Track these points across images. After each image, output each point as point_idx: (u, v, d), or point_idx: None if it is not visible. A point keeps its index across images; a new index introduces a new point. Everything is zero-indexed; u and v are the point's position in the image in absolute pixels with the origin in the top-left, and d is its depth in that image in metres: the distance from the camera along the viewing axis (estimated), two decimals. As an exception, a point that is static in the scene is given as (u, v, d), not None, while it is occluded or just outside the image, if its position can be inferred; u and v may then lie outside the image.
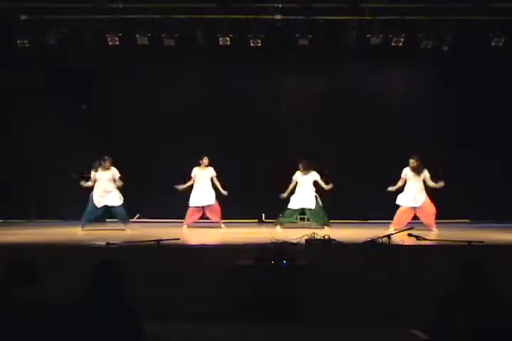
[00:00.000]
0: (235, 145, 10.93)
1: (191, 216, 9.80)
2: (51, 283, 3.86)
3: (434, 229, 8.97)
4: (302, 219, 10.26)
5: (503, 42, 9.57)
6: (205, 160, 9.75)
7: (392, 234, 6.28)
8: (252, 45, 9.78)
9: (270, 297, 6.02)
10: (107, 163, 9.28)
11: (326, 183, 9.60)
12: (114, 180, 9.30)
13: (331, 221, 9.72)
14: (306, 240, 7.05)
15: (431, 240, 6.39)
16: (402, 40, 9.62)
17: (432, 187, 9.05)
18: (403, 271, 6.08)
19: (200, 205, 9.78)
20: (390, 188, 9.10)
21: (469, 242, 5.71)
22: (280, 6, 9.45)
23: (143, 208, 10.87)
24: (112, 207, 9.37)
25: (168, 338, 4.93)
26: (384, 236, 6.15)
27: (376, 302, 5.99)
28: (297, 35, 9.69)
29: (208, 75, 11.13)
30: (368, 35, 9.61)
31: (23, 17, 9.50)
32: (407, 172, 9.10)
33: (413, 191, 9.07)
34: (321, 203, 9.66)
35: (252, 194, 10.80)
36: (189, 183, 9.77)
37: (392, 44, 9.71)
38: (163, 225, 10.16)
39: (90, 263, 3.55)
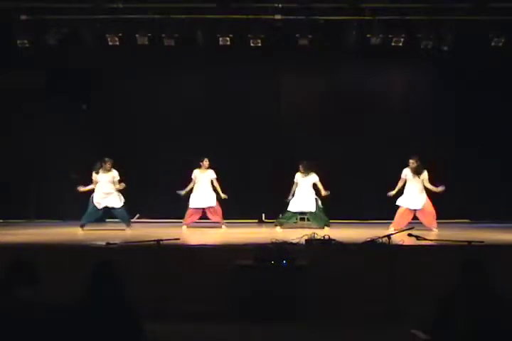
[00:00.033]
0: (235, 145, 10.93)
1: (191, 216, 9.78)
2: (51, 283, 3.86)
3: (435, 229, 8.96)
4: (302, 219, 10.25)
5: (503, 42, 9.56)
6: (206, 162, 9.72)
7: (392, 234, 6.29)
8: (252, 45, 9.76)
9: (270, 297, 6.01)
10: (108, 165, 9.26)
11: (324, 189, 9.59)
12: (114, 183, 9.30)
13: (331, 221, 9.71)
14: (306, 240, 7.05)
15: (431, 240, 6.39)
16: (402, 40, 9.59)
17: (431, 190, 9.03)
18: (403, 271, 6.08)
19: (201, 207, 9.78)
20: (390, 193, 9.07)
21: (469, 242, 5.70)
22: (280, 6, 9.43)
23: (143, 208, 10.87)
24: (113, 208, 9.37)
25: (168, 338, 4.93)
26: (384, 236, 6.15)
27: (376, 302, 5.98)
28: (297, 35, 9.67)
29: (207, 75, 11.12)
30: (368, 35, 9.59)
31: (23, 17, 9.48)
32: (406, 173, 9.09)
33: (413, 192, 9.06)
34: (321, 205, 9.64)
35: (252, 194, 10.81)
36: (190, 186, 9.73)
37: (392, 44, 9.68)
38: (163, 225, 10.15)
39: (90, 263, 3.55)
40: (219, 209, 9.79)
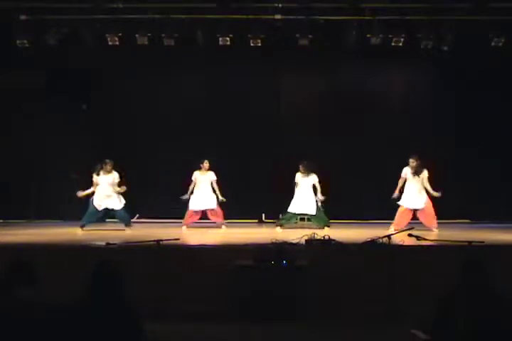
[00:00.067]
0: (235, 145, 10.91)
1: (191, 217, 9.77)
2: (51, 283, 3.86)
3: (435, 229, 8.95)
4: (302, 219, 10.23)
5: (503, 42, 9.56)
6: (206, 164, 9.69)
7: (392, 234, 6.29)
8: (252, 45, 9.76)
9: (270, 297, 6.00)
10: (109, 167, 9.24)
11: (322, 194, 9.59)
12: (114, 185, 9.28)
13: (331, 221, 9.70)
14: (306, 240, 7.05)
15: (431, 240, 6.38)
16: (402, 40, 9.60)
17: (428, 191, 9.03)
18: (403, 271, 6.07)
19: (201, 209, 9.76)
20: (394, 195, 9.05)
21: (470, 242, 5.70)
22: (280, 5, 9.43)
23: (143, 208, 10.86)
24: (113, 209, 9.36)
25: (168, 338, 4.93)
26: (384, 237, 6.14)
27: (376, 302, 5.98)
28: (297, 35, 9.66)
29: (207, 75, 11.11)
30: (368, 35, 9.58)
31: (23, 17, 9.48)
32: (407, 172, 9.09)
33: (413, 192, 9.06)
34: (321, 207, 9.64)
35: (252, 194, 10.80)
36: (191, 188, 9.70)
37: (392, 44, 9.69)
38: (163, 225, 10.13)
39: (90, 263, 3.54)
40: (219, 211, 9.77)
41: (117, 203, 9.29)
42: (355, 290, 6.26)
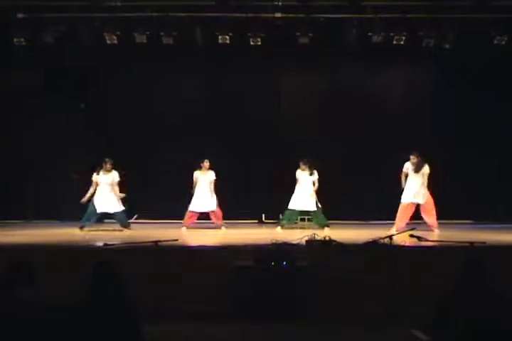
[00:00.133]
0: (235, 146, 10.86)
1: (190, 217, 9.72)
2: (51, 283, 3.84)
3: (436, 230, 8.94)
4: (302, 219, 10.21)
5: (506, 41, 9.52)
6: (206, 164, 9.64)
7: (393, 234, 6.27)
8: (251, 43, 9.71)
9: (270, 297, 5.97)
10: (108, 165, 9.21)
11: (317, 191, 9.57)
12: (114, 184, 9.24)
13: (330, 221, 9.67)
14: (306, 241, 7.02)
15: (432, 241, 6.36)
16: (403, 38, 9.57)
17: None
18: (403, 271, 6.04)
19: (201, 211, 9.71)
20: (403, 185, 9.06)
21: (471, 243, 5.68)
22: (280, 4, 9.37)
23: (143, 208, 10.79)
24: (113, 213, 9.33)
25: (168, 338, 4.93)
26: (386, 237, 6.13)
27: (376, 302, 5.95)
28: (297, 34, 9.63)
29: (207, 74, 11.06)
30: (370, 34, 9.55)
31: (20, 15, 9.43)
32: (408, 167, 9.10)
33: (414, 187, 9.05)
34: (319, 204, 9.61)
35: (252, 194, 10.75)
36: (194, 187, 9.67)
37: (394, 42, 9.65)
38: (162, 226, 10.08)
39: (90, 263, 3.53)
40: (219, 212, 9.73)
41: (117, 206, 9.27)
42: (355, 290, 6.24)
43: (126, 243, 6.99)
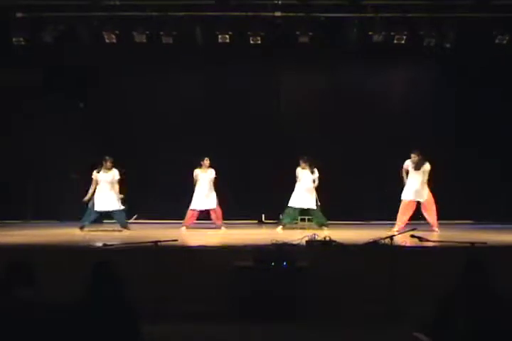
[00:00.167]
0: (235, 145, 10.84)
1: (191, 217, 9.70)
2: (51, 283, 3.83)
3: (436, 230, 8.93)
4: (303, 219, 10.18)
5: (507, 40, 9.50)
6: (206, 162, 9.63)
7: (394, 235, 6.27)
8: (251, 42, 9.69)
9: (270, 297, 5.96)
10: (108, 163, 9.20)
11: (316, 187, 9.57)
12: (114, 183, 9.22)
13: (330, 221, 9.65)
14: (306, 241, 7.00)
15: (433, 241, 6.35)
16: (404, 37, 9.55)
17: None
18: (403, 271, 6.03)
19: (202, 209, 9.70)
20: (405, 181, 9.06)
21: (472, 243, 5.66)
22: (280, 2, 9.36)
23: (142, 208, 10.76)
24: (112, 211, 9.31)
25: (167, 338, 4.94)
26: (386, 237, 6.12)
27: (376, 302, 5.95)
28: (297, 33, 9.60)
29: (207, 73, 11.04)
30: (370, 33, 9.53)
31: (19, 14, 9.41)
32: (409, 164, 9.10)
33: (415, 185, 9.06)
34: (319, 202, 9.60)
35: (251, 194, 10.73)
36: (195, 185, 9.67)
37: (395, 42, 9.63)
38: (162, 226, 10.05)
39: (90, 263, 3.53)
40: (219, 211, 9.72)
41: (116, 205, 9.25)
42: (355, 290, 6.23)
43: (126, 243, 6.98)
